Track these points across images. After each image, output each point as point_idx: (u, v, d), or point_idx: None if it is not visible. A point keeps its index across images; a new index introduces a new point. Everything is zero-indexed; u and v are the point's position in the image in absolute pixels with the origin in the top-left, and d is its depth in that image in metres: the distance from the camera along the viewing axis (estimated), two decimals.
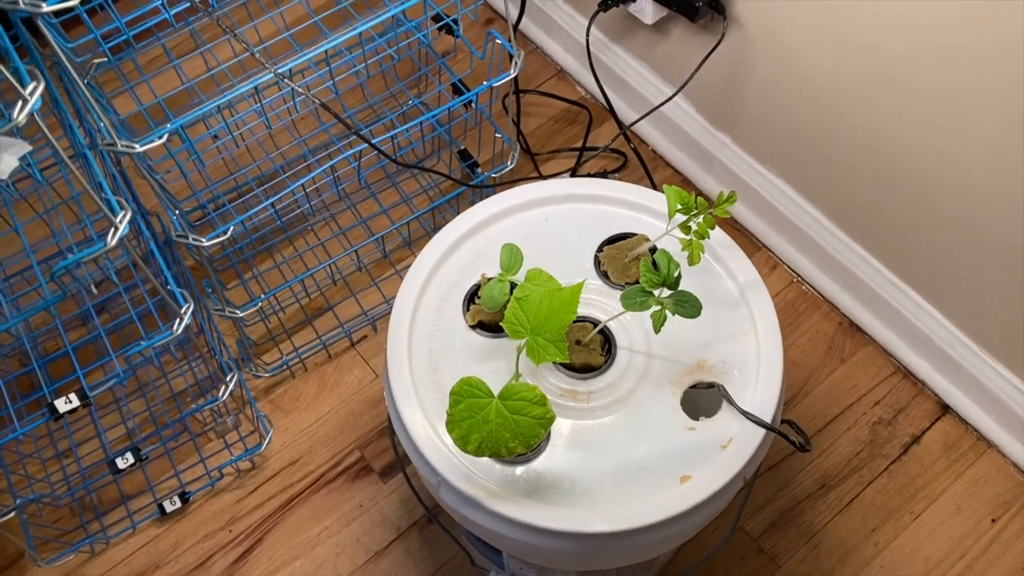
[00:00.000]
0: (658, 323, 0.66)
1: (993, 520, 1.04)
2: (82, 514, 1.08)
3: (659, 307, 0.66)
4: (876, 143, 0.98)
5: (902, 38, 0.87)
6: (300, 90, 0.73)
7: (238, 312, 0.99)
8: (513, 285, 0.74)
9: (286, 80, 0.71)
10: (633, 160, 1.30)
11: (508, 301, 0.73)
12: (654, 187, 1.24)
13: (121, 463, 0.95)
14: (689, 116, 1.22)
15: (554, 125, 1.35)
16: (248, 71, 1.07)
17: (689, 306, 0.66)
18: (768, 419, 0.73)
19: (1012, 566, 1.02)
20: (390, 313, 1.18)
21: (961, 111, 0.87)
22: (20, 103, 0.56)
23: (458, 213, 1.24)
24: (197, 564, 1.06)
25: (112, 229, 0.68)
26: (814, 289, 1.20)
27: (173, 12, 0.68)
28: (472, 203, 1.24)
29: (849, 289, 1.16)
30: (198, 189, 1.16)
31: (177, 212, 0.84)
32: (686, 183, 1.29)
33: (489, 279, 0.80)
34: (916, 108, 0.91)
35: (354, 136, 0.83)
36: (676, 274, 0.65)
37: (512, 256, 0.74)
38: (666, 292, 0.67)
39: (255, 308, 1.01)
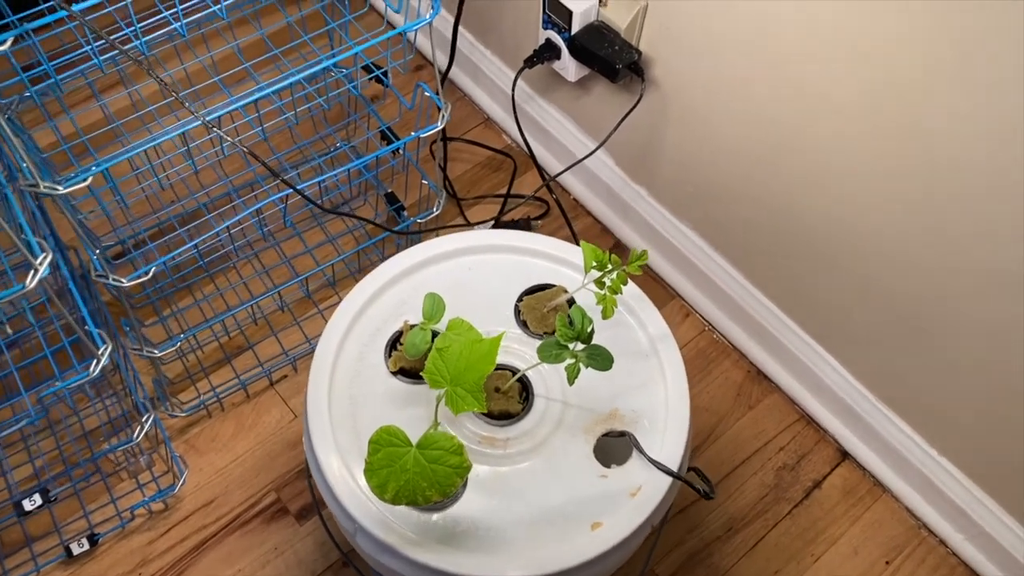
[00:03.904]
0: (572, 375, 0.69)
1: (887, 562, 1.10)
2: None
3: (573, 360, 0.69)
4: (781, 202, 1.04)
5: (803, 110, 0.93)
6: (227, 137, 0.74)
7: (156, 352, 0.98)
8: (435, 334, 0.76)
9: (214, 129, 0.72)
10: (555, 208, 1.34)
11: (430, 349, 0.75)
12: (573, 235, 1.28)
13: (28, 505, 0.93)
14: (609, 168, 1.26)
15: (480, 171, 1.39)
16: (174, 110, 1.07)
17: (601, 359, 0.69)
18: (675, 467, 0.76)
19: None
20: (311, 353, 1.20)
21: (861, 178, 0.93)
22: (32, 272, 0.60)
23: (383, 256, 1.25)
24: None
25: (32, 271, 0.68)
26: (724, 338, 1.25)
27: (103, 59, 0.68)
28: (398, 246, 1.26)
29: (757, 338, 1.22)
30: (118, 225, 1.15)
31: (97, 252, 0.84)
32: (605, 231, 1.33)
33: (412, 326, 0.82)
34: (817, 173, 0.97)
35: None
36: (590, 329, 0.69)
37: (434, 305, 0.76)
38: (580, 346, 0.70)
39: (173, 348, 1.00)
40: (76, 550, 1.03)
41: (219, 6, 0.72)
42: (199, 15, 0.74)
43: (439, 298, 0.76)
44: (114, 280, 0.84)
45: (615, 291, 0.74)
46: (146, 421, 0.93)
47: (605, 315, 0.74)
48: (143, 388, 1.13)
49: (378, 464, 0.65)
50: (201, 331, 1.14)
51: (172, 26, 0.71)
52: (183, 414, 1.14)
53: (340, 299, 1.24)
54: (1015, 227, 0.81)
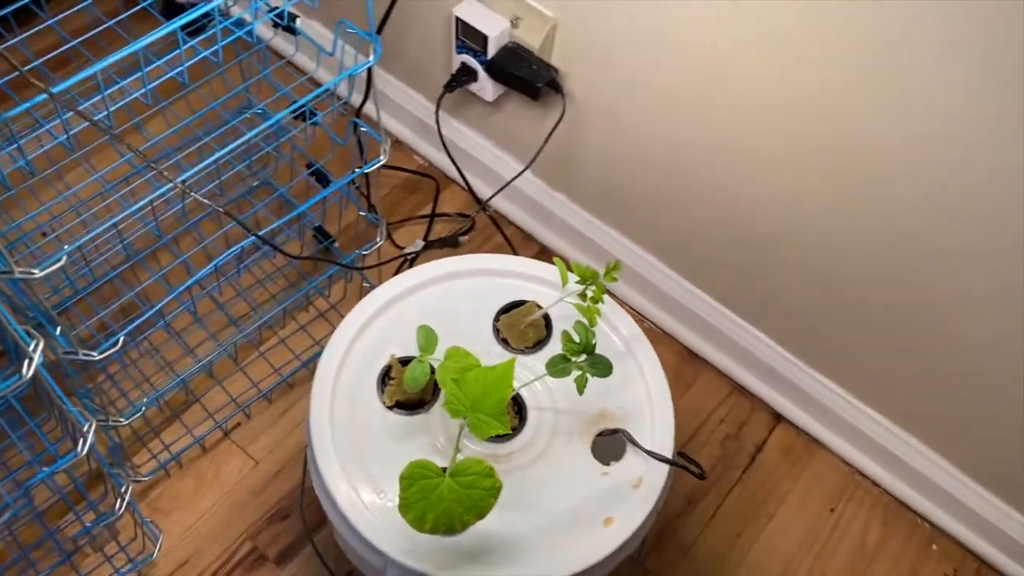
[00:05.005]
0: (581, 386, 0.74)
1: (832, 509, 1.21)
2: None
3: (580, 372, 0.74)
4: (696, 192, 1.12)
5: (710, 103, 1.01)
6: (205, 201, 0.74)
7: (123, 420, 0.96)
8: (431, 365, 0.79)
9: (192, 193, 0.72)
10: (479, 222, 1.38)
11: (429, 380, 0.78)
12: (511, 247, 1.33)
13: None
14: (528, 180, 1.31)
15: (398, 193, 1.41)
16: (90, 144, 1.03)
17: (602, 367, 0.75)
18: (668, 455, 0.82)
19: (852, 545, 1.18)
20: (263, 399, 1.19)
21: (769, 163, 1.02)
22: (27, 361, 0.63)
23: (328, 291, 1.26)
24: None
25: (27, 360, 0.66)
26: (655, 325, 1.33)
27: (72, 132, 0.67)
28: (332, 280, 1.27)
29: (685, 322, 1.30)
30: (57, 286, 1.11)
31: (59, 328, 0.81)
32: (529, 239, 1.38)
33: (400, 359, 0.84)
34: (729, 160, 1.05)
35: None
36: (593, 341, 0.74)
37: (428, 338, 0.78)
38: (582, 357, 0.75)
39: (139, 414, 0.98)
40: None
41: (180, 68, 0.72)
42: (161, 79, 0.73)
43: (431, 330, 0.79)
44: (84, 355, 0.82)
45: (597, 300, 0.79)
46: (125, 492, 0.91)
47: (592, 324, 0.79)
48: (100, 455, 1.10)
49: (414, 498, 0.68)
50: (141, 387, 1.12)
51: (134, 94, 0.70)
52: (145, 477, 1.11)
53: (281, 339, 1.25)
54: (911, 188, 0.92)
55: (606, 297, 0.90)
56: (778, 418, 1.27)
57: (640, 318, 1.34)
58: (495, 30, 1.10)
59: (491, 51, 1.12)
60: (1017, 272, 0.90)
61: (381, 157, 0.97)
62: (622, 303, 1.34)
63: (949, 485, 1.14)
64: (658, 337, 1.33)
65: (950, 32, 0.79)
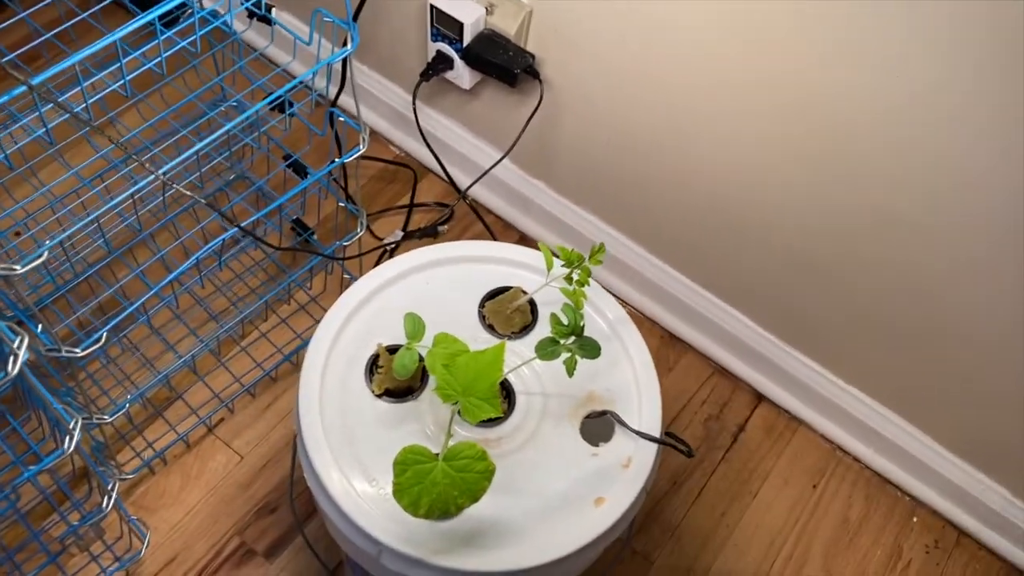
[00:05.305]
0: (571, 368, 0.74)
1: (814, 486, 1.22)
2: None
3: (569, 354, 0.74)
4: (673, 176, 1.13)
5: (685, 86, 1.02)
6: (186, 192, 0.73)
7: (106, 418, 0.95)
8: (419, 352, 0.79)
9: (172, 184, 0.71)
10: (459, 211, 1.38)
11: (418, 367, 0.78)
12: (492, 235, 1.33)
13: None
14: (507, 168, 1.32)
15: (376, 184, 1.41)
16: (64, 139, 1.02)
17: (591, 348, 0.75)
18: (656, 434, 0.83)
19: (834, 520, 1.20)
20: (246, 394, 1.19)
21: (745, 146, 1.03)
22: (12, 358, 0.62)
23: (309, 284, 1.25)
24: None
25: (12, 357, 0.66)
26: (636, 309, 1.34)
27: (50, 126, 0.66)
28: (313, 271, 1.26)
29: (665, 305, 1.31)
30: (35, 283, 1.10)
31: (41, 325, 0.81)
32: (508, 227, 1.39)
33: (387, 348, 0.84)
34: (703, 145, 1.06)
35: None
36: (581, 324, 0.74)
37: (415, 325, 0.78)
38: (571, 339, 0.75)
39: (122, 412, 0.97)
40: None
41: (157, 59, 0.71)
42: (138, 71, 0.72)
43: (419, 318, 0.79)
44: (67, 352, 0.82)
45: (583, 283, 0.80)
46: (112, 489, 0.90)
47: (578, 307, 0.79)
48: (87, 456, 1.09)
49: (408, 483, 0.68)
50: (123, 384, 1.11)
51: (111, 86, 0.69)
52: (130, 476, 1.10)
53: (263, 333, 1.24)
54: (886, 167, 0.93)
55: (591, 280, 0.90)
56: (759, 398, 1.29)
57: (621, 303, 1.35)
58: (470, 17, 1.10)
59: (467, 38, 1.12)
60: (991, 247, 0.91)
61: (360, 146, 0.96)
62: (604, 288, 1.35)
63: (928, 458, 1.16)
64: (639, 321, 1.34)
65: (921, 8, 0.80)
